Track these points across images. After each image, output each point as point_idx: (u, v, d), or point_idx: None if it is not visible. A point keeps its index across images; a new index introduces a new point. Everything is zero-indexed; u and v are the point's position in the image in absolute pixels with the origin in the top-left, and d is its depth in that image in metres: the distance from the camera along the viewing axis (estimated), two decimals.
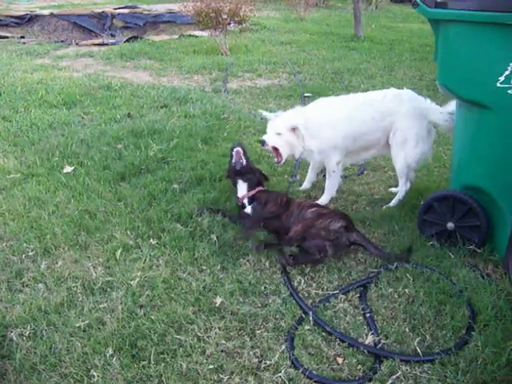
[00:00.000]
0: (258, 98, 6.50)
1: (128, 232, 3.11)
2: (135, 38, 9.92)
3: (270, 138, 3.41)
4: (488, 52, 2.52)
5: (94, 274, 2.72)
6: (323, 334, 2.37)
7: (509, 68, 2.47)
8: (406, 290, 2.66)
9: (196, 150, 4.41)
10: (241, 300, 2.57)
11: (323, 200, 3.61)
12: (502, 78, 2.51)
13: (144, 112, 5.33)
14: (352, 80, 7.52)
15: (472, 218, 2.87)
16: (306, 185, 3.92)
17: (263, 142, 3.40)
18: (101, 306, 2.48)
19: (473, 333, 2.35)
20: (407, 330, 2.40)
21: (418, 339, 2.33)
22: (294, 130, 3.38)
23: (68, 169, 3.92)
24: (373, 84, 7.27)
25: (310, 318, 2.43)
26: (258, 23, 12.05)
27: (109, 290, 2.60)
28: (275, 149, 3.42)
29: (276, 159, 3.48)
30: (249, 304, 2.54)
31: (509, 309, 2.48)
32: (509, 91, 2.50)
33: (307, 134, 3.40)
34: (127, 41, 9.74)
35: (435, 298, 2.57)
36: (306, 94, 6.62)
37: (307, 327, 2.39)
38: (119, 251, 2.91)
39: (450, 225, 2.95)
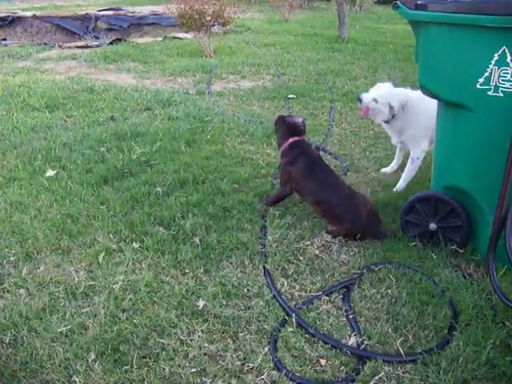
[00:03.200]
0: (241, 100, 6.48)
1: (111, 236, 3.09)
2: (119, 40, 9.86)
3: (367, 99, 3.79)
4: (467, 54, 2.55)
5: (77, 279, 2.70)
6: (306, 335, 2.37)
7: (488, 69, 2.50)
8: (389, 291, 2.67)
9: (179, 152, 4.39)
10: (224, 303, 2.56)
11: (400, 185, 3.85)
12: (481, 80, 2.53)
13: (127, 115, 5.30)
14: (336, 81, 7.54)
15: (454, 218, 2.89)
16: (393, 166, 4.24)
17: (360, 99, 3.82)
18: (83, 310, 2.46)
19: (454, 332, 2.37)
20: (390, 330, 2.42)
21: (400, 340, 2.35)
22: (390, 107, 3.70)
23: (50, 172, 3.89)
24: (356, 85, 7.31)
25: (293, 320, 2.44)
26: (242, 25, 12.04)
27: (91, 294, 2.58)
28: (367, 108, 3.81)
29: (361, 113, 3.93)
30: (232, 307, 2.54)
31: (489, 308, 2.51)
32: (488, 92, 2.53)
33: (404, 117, 3.74)
34: (111, 43, 9.68)
35: (418, 299, 2.59)
36: (289, 96, 6.63)
37: (290, 329, 2.39)
38: (102, 255, 2.89)
39: (433, 225, 2.97)
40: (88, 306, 2.50)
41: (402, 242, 3.07)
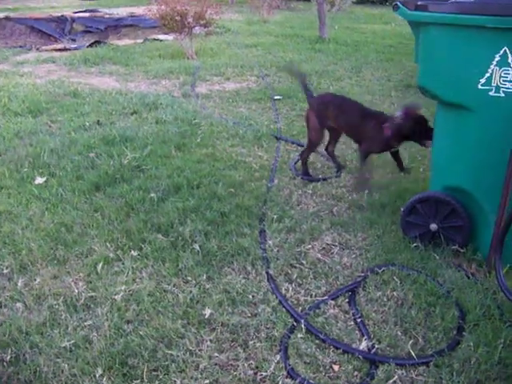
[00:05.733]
0: (227, 101, 6.44)
1: (107, 244, 3.02)
2: (98, 42, 9.72)
3: None
4: (468, 55, 2.54)
5: (76, 290, 2.62)
6: (316, 341, 2.33)
7: (489, 70, 2.50)
8: (395, 293, 2.66)
9: (170, 156, 4.33)
10: (230, 310, 2.51)
11: None
12: (483, 80, 2.53)
13: (114, 119, 5.21)
14: (321, 82, 7.53)
15: (455, 218, 2.89)
16: None
17: None
18: (86, 323, 2.38)
19: (464, 333, 2.36)
20: (399, 333, 2.40)
21: (410, 342, 2.33)
22: None
23: (39, 180, 3.78)
24: (341, 86, 7.32)
25: (302, 326, 2.40)
26: (222, 26, 11.99)
27: (93, 306, 2.51)
28: None
29: None
30: (238, 314, 2.49)
31: (496, 307, 2.51)
32: (490, 93, 2.53)
33: None
34: (90, 46, 9.53)
35: (424, 300, 2.57)
36: (275, 97, 6.61)
37: (300, 335, 2.35)
38: (100, 265, 2.81)
39: (434, 226, 2.97)
40: (90, 318, 2.42)
41: (403, 243, 3.06)
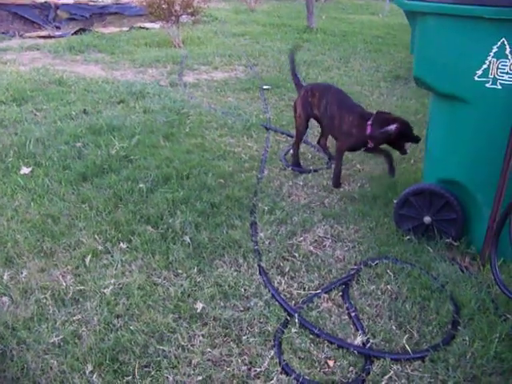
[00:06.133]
0: (216, 91, 6.36)
1: (96, 236, 2.94)
2: (83, 30, 9.55)
3: None
4: (465, 46, 2.51)
5: (64, 284, 2.54)
6: (311, 336, 2.30)
7: (486, 62, 2.47)
8: (389, 287, 2.63)
9: (159, 146, 4.25)
10: (222, 304, 2.46)
11: None
12: (479, 72, 2.50)
13: (100, 108, 5.10)
14: (309, 72, 7.48)
15: (449, 211, 2.87)
16: None
17: None
18: (74, 318, 2.32)
19: (459, 327, 2.34)
20: (394, 327, 2.37)
21: (405, 337, 2.30)
22: None
23: (25, 170, 3.68)
24: (330, 76, 7.28)
25: (296, 321, 2.36)
26: (209, 15, 11.84)
27: (81, 299, 2.44)
28: None
29: None
30: (231, 308, 2.44)
31: (490, 301, 2.49)
32: (486, 85, 2.50)
33: None
34: (75, 33, 9.36)
35: (418, 294, 2.55)
36: (264, 87, 6.54)
37: (294, 330, 2.32)
38: (88, 257, 2.74)
39: (427, 219, 2.94)
40: (79, 312, 2.35)
41: (396, 236, 3.03)
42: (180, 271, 2.69)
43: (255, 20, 12.44)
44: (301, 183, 3.82)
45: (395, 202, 3.27)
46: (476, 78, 2.51)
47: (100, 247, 2.85)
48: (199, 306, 2.42)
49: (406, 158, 4.26)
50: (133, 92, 5.64)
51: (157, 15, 8.33)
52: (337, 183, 3.76)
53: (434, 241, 2.94)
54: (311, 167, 4.13)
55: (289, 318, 2.40)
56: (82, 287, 2.52)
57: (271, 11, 14.43)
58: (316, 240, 3.07)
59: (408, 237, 2.99)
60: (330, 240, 3.08)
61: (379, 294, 2.59)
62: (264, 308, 2.45)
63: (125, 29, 10.03)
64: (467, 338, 2.26)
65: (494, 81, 2.48)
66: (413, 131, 3.38)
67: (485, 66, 2.48)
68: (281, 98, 6.21)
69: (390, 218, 3.22)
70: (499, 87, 2.48)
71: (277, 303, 2.49)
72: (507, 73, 2.44)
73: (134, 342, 2.18)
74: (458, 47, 2.53)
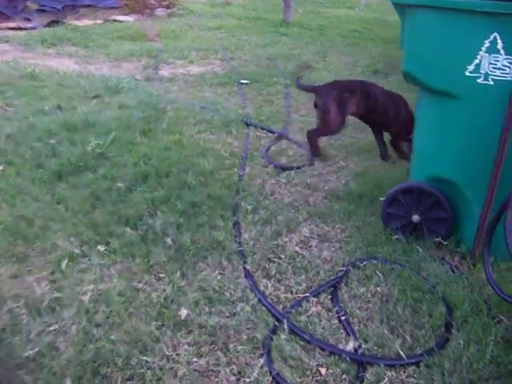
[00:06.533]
0: (192, 85, 6.22)
1: (72, 239, 2.80)
2: (56, 22, 9.26)
3: None
4: (457, 40, 2.43)
5: (39, 291, 2.39)
6: (301, 342, 2.20)
7: (478, 57, 2.40)
8: (379, 289, 2.55)
9: (136, 143, 4.10)
10: (207, 310, 2.35)
11: None
12: (471, 67, 2.43)
13: (75, 103, 4.90)
14: (287, 66, 7.38)
15: (438, 209, 2.80)
16: None
17: None
18: (51, 328, 2.17)
19: (452, 330, 2.28)
20: (386, 331, 2.29)
21: (398, 341, 2.23)
22: None
23: None
24: (309, 71, 7.18)
25: (285, 327, 2.26)
26: (184, 8, 11.65)
27: (58, 308, 2.29)
28: None
29: None
30: (216, 314, 2.33)
31: (483, 302, 2.43)
32: (478, 80, 2.43)
33: None
34: (47, 25, 9.07)
35: (410, 296, 2.47)
36: (242, 81, 6.42)
37: (283, 336, 2.21)
38: (65, 262, 2.59)
39: (416, 217, 2.87)
40: (56, 322, 2.21)
41: (384, 236, 2.96)
42: (162, 275, 2.57)
43: (231, 13, 12.27)
44: (284, 181, 3.73)
45: (382, 200, 3.20)
46: (467, 74, 2.44)
47: (77, 250, 2.70)
48: (183, 312, 2.31)
49: (390, 155, 4.22)
50: (108, 87, 5.45)
51: (132, 8, 8.14)
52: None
53: (422, 240, 2.87)
54: (294, 164, 4.03)
55: (277, 323, 2.30)
56: (58, 294, 2.38)
57: (247, 4, 14.27)
58: (302, 240, 2.98)
59: (396, 236, 2.91)
60: (317, 240, 2.99)
61: (369, 296, 2.51)
62: (251, 313, 2.34)
63: (99, 21, 9.77)
64: (462, 342, 2.19)
65: (486, 76, 2.41)
66: None
67: (476, 61, 2.41)
68: (259, 92, 6.10)
69: (377, 216, 3.15)
70: (491, 83, 2.41)
71: (264, 308, 2.39)
72: (499, 68, 2.38)
73: (115, 353, 2.05)
74: (448, 41, 2.45)
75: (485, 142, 2.52)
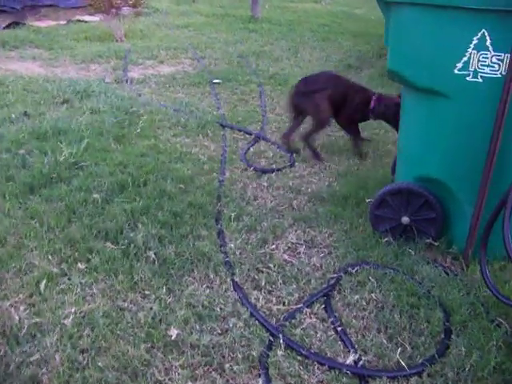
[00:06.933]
0: (164, 87, 6.06)
1: (49, 257, 2.64)
2: (16, 23, 8.93)
3: None
4: (444, 37, 2.37)
5: (17, 317, 2.23)
6: (299, 358, 2.11)
7: (467, 54, 2.34)
8: (373, 295, 2.48)
9: (110, 150, 3.93)
10: (198, 328, 2.24)
11: None
12: (459, 65, 2.38)
13: (43, 109, 4.69)
14: (259, 63, 7.30)
15: (428, 210, 2.75)
16: None
17: None
18: (32, 358, 2.01)
19: (452, 336, 2.22)
20: (384, 340, 2.22)
21: (398, 350, 2.16)
22: None
23: None
24: (281, 67, 7.13)
25: (281, 341, 2.17)
26: (150, 6, 11.41)
27: (39, 335, 2.13)
28: None
29: None
30: (208, 332, 2.22)
31: (480, 305, 2.38)
32: (467, 78, 2.38)
33: None
34: (7, 27, 8.75)
35: (406, 302, 2.41)
36: (214, 81, 6.30)
37: (280, 352, 2.12)
38: (43, 283, 2.43)
39: (405, 219, 2.81)
40: (37, 351, 2.05)
41: (373, 239, 2.89)
42: (147, 292, 2.44)
43: (198, 11, 12.09)
44: (265, 184, 3.63)
45: (368, 201, 3.16)
46: (456, 71, 2.39)
47: (55, 269, 2.55)
48: (173, 332, 2.19)
49: (371, 154, 4.16)
50: (77, 91, 5.24)
51: (97, 7, 7.90)
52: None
53: (413, 242, 2.82)
54: (274, 166, 3.94)
55: (272, 338, 2.20)
56: (38, 319, 2.22)
57: (213, 1, 14.08)
58: (289, 247, 2.89)
59: (386, 239, 2.85)
60: (304, 246, 2.91)
61: (364, 304, 2.44)
62: (244, 329, 2.24)
63: (62, 22, 9.47)
64: (463, 349, 2.14)
65: (475, 74, 2.36)
66: None
67: (465, 59, 2.35)
68: (233, 92, 5.99)
69: (364, 218, 3.09)
70: (480, 80, 2.36)
71: (257, 322, 2.29)
72: (488, 65, 2.33)
73: (104, 381, 1.92)
74: (436, 39, 2.39)
75: (474, 141, 2.48)
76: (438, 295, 2.44)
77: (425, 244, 2.81)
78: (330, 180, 3.71)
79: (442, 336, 2.23)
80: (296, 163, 4.02)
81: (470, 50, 2.33)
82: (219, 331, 2.23)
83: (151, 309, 2.33)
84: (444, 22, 2.34)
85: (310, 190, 3.56)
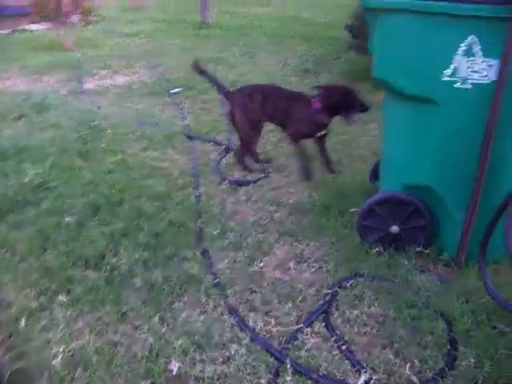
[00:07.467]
0: (122, 98, 5.86)
1: (26, 290, 2.45)
2: None
3: None
4: (433, 44, 2.34)
5: None
6: (308, 382, 2.03)
7: (455, 61, 2.32)
8: (373, 309, 2.42)
9: (76, 168, 3.74)
10: (198, 358, 2.12)
11: None
12: (448, 72, 2.35)
13: None
14: (217, 70, 7.16)
15: (417, 218, 2.71)
16: None
17: None
18: None
19: (458, 346, 2.19)
20: (392, 356, 2.16)
21: (407, 366, 2.10)
22: None
23: None
24: (240, 73, 7.02)
25: (288, 366, 2.07)
26: (97, 14, 11.07)
27: (26, 382, 1.97)
28: None
29: None
30: (211, 362, 2.10)
31: (481, 312, 2.35)
32: (456, 85, 2.36)
33: None
34: None
35: (407, 314, 2.36)
36: (174, 90, 6.14)
37: (288, 378, 2.03)
38: (22, 320, 2.25)
39: (395, 228, 2.77)
40: None
41: (362, 250, 2.84)
42: (139, 323, 2.30)
43: (146, 17, 11.85)
44: (243, 198, 3.53)
45: (352, 211, 3.12)
46: (445, 78, 2.36)
47: (34, 304, 2.37)
48: (174, 365, 2.06)
49: (339, 160, 4.12)
50: (33, 104, 4.97)
51: (44, 16, 7.58)
52: (307, 175, 3.72)
53: (403, 251, 2.78)
54: (249, 178, 3.84)
55: (277, 362, 2.10)
56: (21, 363, 2.04)
57: (160, 6, 13.84)
58: (279, 264, 2.80)
59: (376, 249, 2.80)
60: (293, 261, 2.82)
61: (365, 318, 2.37)
62: (247, 356, 2.13)
63: (5, 32, 9.05)
64: (472, 360, 2.11)
65: (464, 80, 2.34)
66: (358, 97, 3.51)
67: (454, 66, 2.33)
68: (194, 100, 5.85)
69: (350, 229, 3.03)
70: (469, 87, 2.34)
71: (259, 347, 2.19)
72: (477, 71, 2.31)
73: None
74: (424, 46, 2.36)
75: (464, 147, 2.46)
76: (437, 305, 2.41)
77: (415, 252, 2.77)
78: (308, 190, 3.63)
79: (448, 347, 2.19)
80: (270, 174, 3.93)
81: (458, 56, 2.31)
82: (221, 360, 2.12)
83: (145, 340, 2.19)
84: (432, 29, 2.31)
85: (290, 201, 3.48)
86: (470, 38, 2.27)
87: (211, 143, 4.51)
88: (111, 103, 5.58)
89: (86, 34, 9.03)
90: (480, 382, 2.01)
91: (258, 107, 3.76)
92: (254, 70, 7.23)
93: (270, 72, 7.08)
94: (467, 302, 2.43)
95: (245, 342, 2.21)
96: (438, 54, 2.34)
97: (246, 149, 3.94)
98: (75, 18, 8.21)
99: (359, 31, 6.03)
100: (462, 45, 2.29)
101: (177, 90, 6.15)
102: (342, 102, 3.51)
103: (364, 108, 3.51)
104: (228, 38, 9.55)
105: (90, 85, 6.30)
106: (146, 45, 8.88)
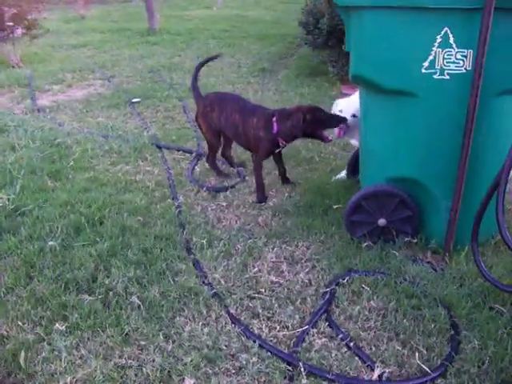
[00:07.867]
0: (81, 112, 5.72)
1: (19, 323, 2.35)
2: None
3: (348, 116, 3.36)
4: (409, 38, 2.39)
5: None
6: (323, 383, 2.03)
7: (432, 53, 2.37)
8: (373, 303, 2.46)
9: (48, 189, 3.62)
10: (211, 372, 2.09)
11: None
12: (426, 64, 2.40)
13: None
14: (173, 77, 7.13)
15: (403, 209, 2.77)
16: None
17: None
18: None
19: (461, 331, 2.25)
20: (399, 347, 2.20)
21: (416, 355, 2.14)
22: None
23: None
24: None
25: (302, 370, 2.07)
26: (40, 27, 10.76)
27: None
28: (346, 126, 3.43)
29: (340, 134, 3.53)
30: (224, 374, 2.08)
31: (477, 295, 2.44)
32: (434, 76, 2.41)
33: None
34: None
35: (407, 304, 2.41)
36: (133, 100, 6.05)
37: (304, 381, 2.03)
38: (22, 355, 2.15)
39: (382, 221, 2.82)
40: None
41: (353, 245, 2.88)
42: (144, 343, 2.24)
43: (91, 28, 11.61)
44: (224, 204, 3.51)
45: (336, 207, 3.15)
46: (423, 71, 2.41)
47: (31, 336, 2.27)
48: (189, 382, 2.03)
49: (309, 157, 4.16)
50: None
51: None
52: (262, 198, 3.52)
53: (392, 242, 2.84)
54: (226, 184, 3.82)
55: (290, 367, 2.10)
56: None
57: (103, 16, 13.62)
58: (272, 267, 2.80)
59: (366, 243, 2.85)
60: (286, 264, 2.83)
61: (366, 313, 2.41)
62: (260, 363, 2.12)
63: None
64: (476, 342, 2.17)
65: (442, 71, 2.40)
66: (326, 114, 3.32)
67: (431, 58, 2.39)
68: (155, 109, 5.79)
69: (337, 226, 3.07)
70: (447, 77, 2.40)
71: (269, 353, 2.18)
72: (453, 62, 2.37)
73: None
74: (400, 40, 2.41)
75: (446, 137, 2.53)
76: (434, 292, 2.46)
77: (404, 243, 2.83)
78: (288, 190, 3.65)
79: (452, 332, 2.25)
80: (246, 177, 3.92)
81: (434, 48, 2.36)
82: (234, 371, 2.10)
83: (154, 361, 2.14)
84: (407, 23, 2.36)
85: (271, 203, 3.49)
86: (445, 30, 2.33)
87: (180, 152, 4.45)
88: (72, 119, 5.44)
89: (31, 49, 8.76)
90: (487, 362, 2.07)
91: (215, 117, 3.72)
92: (209, 74, 7.21)
93: (226, 74, 7.11)
94: (461, 286, 2.51)
95: (254, 350, 2.20)
96: (416, 48, 2.40)
97: (214, 154, 3.95)
98: (19, 33, 7.91)
99: (313, 27, 6.10)
100: (437, 37, 2.35)
101: (136, 100, 6.06)
102: (309, 126, 3.29)
103: (341, 120, 3.31)
104: (178, 43, 9.49)
105: (44, 101, 6.11)
106: (96, 56, 8.70)
